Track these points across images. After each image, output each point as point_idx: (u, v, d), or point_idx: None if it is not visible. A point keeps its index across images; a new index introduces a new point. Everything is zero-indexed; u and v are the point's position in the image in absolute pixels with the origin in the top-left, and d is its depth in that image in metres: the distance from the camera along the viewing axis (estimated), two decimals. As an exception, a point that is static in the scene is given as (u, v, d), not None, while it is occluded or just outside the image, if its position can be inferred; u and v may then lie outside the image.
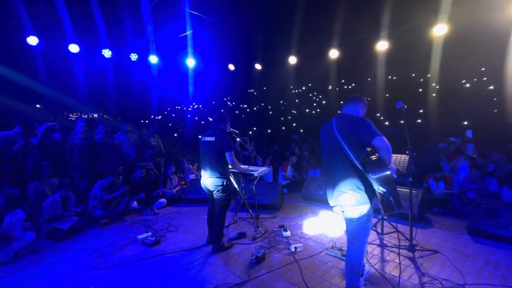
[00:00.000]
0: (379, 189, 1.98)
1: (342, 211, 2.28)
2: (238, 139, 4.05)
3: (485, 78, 13.48)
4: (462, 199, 4.57)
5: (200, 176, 6.76)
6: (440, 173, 4.95)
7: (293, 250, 3.36)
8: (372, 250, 3.36)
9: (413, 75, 15.98)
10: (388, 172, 1.97)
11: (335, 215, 4.60)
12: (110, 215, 4.65)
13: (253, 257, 3.12)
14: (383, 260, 3.14)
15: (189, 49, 8.29)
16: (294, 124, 15.73)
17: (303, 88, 20.31)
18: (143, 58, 7.77)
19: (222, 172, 3.27)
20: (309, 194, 5.57)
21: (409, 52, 7.98)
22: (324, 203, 5.24)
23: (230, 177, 3.48)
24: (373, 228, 3.75)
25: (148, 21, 7.08)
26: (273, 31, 8.04)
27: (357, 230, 2.21)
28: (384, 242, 3.51)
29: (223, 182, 3.26)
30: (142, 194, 5.32)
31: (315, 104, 20.80)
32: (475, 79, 14.08)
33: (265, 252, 3.26)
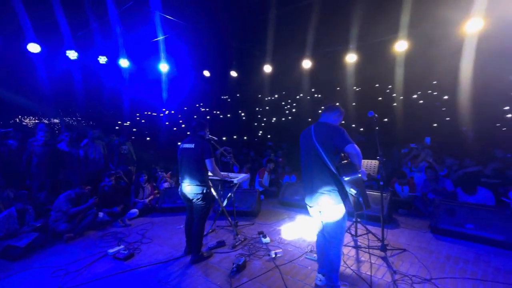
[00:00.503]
0: (350, 190, 2.23)
1: (320, 211, 2.45)
2: (219, 148, 4.03)
3: (435, 93, 14.98)
4: (424, 201, 4.99)
5: (174, 184, 6.64)
6: (405, 179, 5.39)
7: (273, 256, 3.39)
8: (348, 252, 3.51)
9: (377, 85, 17.23)
10: (359, 175, 2.21)
11: (311, 219, 4.76)
12: (75, 229, 4.29)
13: (234, 265, 3.08)
14: (358, 260, 3.29)
15: (162, 54, 8.10)
16: (267, 131, 15.96)
17: (276, 96, 20.78)
18: (113, 61, 7.41)
19: (202, 180, 3.21)
20: (286, 200, 5.67)
21: (375, 65, 8.62)
22: (300, 208, 5.38)
23: (210, 185, 3.43)
24: (348, 231, 3.92)
25: (118, 24, 6.80)
26: (249, 39, 8.18)
27: (334, 230, 2.39)
28: (358, 243, 3.69)
29: (203, 190, 3.20)
30: (116, 209, 5.00)
31: (287, 112, 21.33)
32: (429, 91, 15.57)
33: (245, 259, 3.24)
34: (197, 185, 3.20)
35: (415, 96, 15.39)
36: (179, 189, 3.38)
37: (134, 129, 15.64)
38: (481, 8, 4.83)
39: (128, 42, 7.38)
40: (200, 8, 6.58)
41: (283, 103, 21.02)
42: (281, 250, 3.55)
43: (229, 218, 4.12)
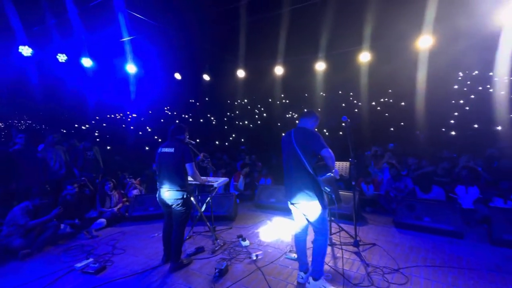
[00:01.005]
0: (324, 188, 2.52)
1: (303, 208, 2.65)
2: (197, 152, 3.97)
3: (391, 100, 16.48)
4: (387, 198, 5.45)
5: (145, 191, 6.33)
6: (370, 178, 5.84)
7: (255, 258, 3.43)
8: (324, 250, 3.69)
9: (340, 92, 18.40)
10: (332, 175, 2.52)
11: (289, 220, 4.90)
12: (33, 244, 3.87)
13: (216, 270, 3.06)
14: (334, 257, 3.48)
15: (129, 54, 7.74)
16: (239, 135, 16.00)
17: (247, 100, 21.02)
18: (74, 60, 6.88)
19: (182, 185, 3.14)
20: (261, 203, 5.76)
21: (341, 73, 9.23)
22: (276, 210, 5.51)
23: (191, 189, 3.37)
24: (323, 230, 4.12)
25: (80, 21, 6.37)
26: (223, 44, 8.21)
27: (317, 219, 2.63)
28: (333, 241, 3.90)
29: (183, 195, 3.13)
30: (76, 221, 4.61)
31: (257, 116, 21.65)
32: (386, 99, 17.08)
33: (227, 264, 3.23)
34: (177, 190, 3.12)
35: (373, 103, 16.77)
36: (157, 195, 3.27)
37: (96, 133, 14.53)
38: (430, 26, 5.51)
39: (92, 40, 6.93)
40: (172, 9, 6.46)
41: (253, 107, 21.30)
42: (261, 252, 3.61)
43: (208, 223, 4.07)
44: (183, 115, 20.95)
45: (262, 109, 22.14)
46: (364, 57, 6.41)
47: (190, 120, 20.66)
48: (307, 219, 2.71)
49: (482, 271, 3.01)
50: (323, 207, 2.58)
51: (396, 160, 6.50)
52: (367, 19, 5.87)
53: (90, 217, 4.94)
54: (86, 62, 7.11)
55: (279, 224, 4.81)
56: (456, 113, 12.38)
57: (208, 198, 4.16)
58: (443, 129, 11.01)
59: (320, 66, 7.02)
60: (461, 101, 12.56)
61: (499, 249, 3.54)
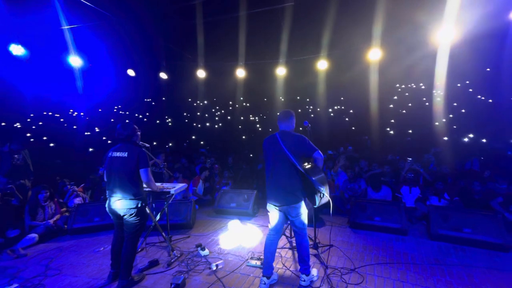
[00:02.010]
0: (319, 188, 2.57)
1: (281, 210, 2.77)
2: (152, 156, 3.63)
3: (343, 107, 17.74)
4: (342, 200, 5.75)
5: (89, 199, 5.63)
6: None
7: (215, 268, 3.25)
8: (285, 254, 3.69)
9: (298, 98, 19.16)
10: (323, 175, 2.64)
11: (248, 225, 4.81)
12: None
13: (172, 285, 2.81)
14: (295, 260, 3.49)
15: (72, 45, 6.88)
16: (199, 138, 15.49)
17: (207, 102, 20.50)
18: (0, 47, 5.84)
19: (137, 193, 2.82)
20: (221, 208, 5.57)
21: (300, 79, 9.56)
22: (237, 215, 5.38)
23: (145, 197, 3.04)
24: (283, 233, 4.13)
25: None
26: (182, 42, 7.82)
27: (300, 221, 2.79)
28: (294, 244, 3.92)
29: (137, 204, 2.81)
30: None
31: (217, 119, 21.27)
32: (338, 106, 18.30)
33: (184, 277, 2.99)
34: (130, 199, 2.78)
35: (330, 110, 17.84)
36: (106, 205, 2.87)
37: (32, 133, 12.55)
38: (378, 38, 6.04)
39: (24, 24, 5.97)
40: (126, 1, 5.93)
41: (213, 109, 20.87)
42: (221, 261, 3.44)
43: (163, 234, 3.75)
44: (137, 115, 19.51)
45: (223, 111, 21.85)
46: (322, 65, 6.73)
47: (145, 120, 19.36)
48: (292, 220, 2.79)
49: (424, 265, 3.31)
50: (307, 208, 2.79)
51: (349, 163, 6.93)
52: (324, 29, 6.17)
53: (14, 234, 4.15)
54: (16, 49, 6.08)
55: (240, 229, 4.69)
56: (394, 120, 13.84)
57: (165, 206, 3.83)
58: (387, 135, 12.22)
59: (281, 71, 7.17)
60: (403, 111, 14.11)
61: (436, 243, 3.95)
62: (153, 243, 4.06)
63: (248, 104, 21.83)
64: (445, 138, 8.60)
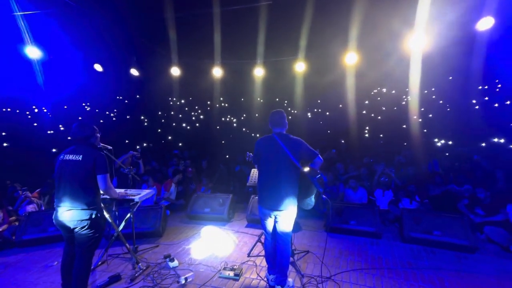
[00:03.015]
0: (319, 189, 2.62)
1: (277, 215, 2.68)
2: (115, 159, 3.29)
3: (320, 110, 18.06)
4: (318, 203, 5.72)
5: (45, 206, 5.08)
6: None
7: (183, 282, 3.00)
8: (260, 262, 3.52)
9: (277, 99, 19.20)
10: (321, 176, 2.69)
11: (222, 231, 4.59)
12: None
13: (133, 304, 2.52)
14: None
15: (28, 34, 6.21)
16: (173, 138, 14.90)
17: (183, 101, 19.83)
18: None
19: (91, 202, 2.49)
20: (195, 213, 5.29)
21: (279, 81, 9.50)
22: (211, 221, 5.13)
23: (102, 206, 2.70)
24: (259, 240, 3.97)
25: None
26: (156, 37, 7.39)
27: (289, 227, 2.75)
28: (269, 251, 3.77)
29: (91, 215, 2.48)
30: None
31: (194, 119, 20.69)
32: (316, 109, 18.59)
33: (149, 293, 2.72)
34: (82, 209, 2.44)
35: (308, 113, 18.06)
36: (53, 216, 2.51)
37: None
38: (354, 43, 6.11)
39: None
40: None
41: (190, 109, 20.26)
42: (192, 273, 3.19)
43: (127, 244, 3.41)
44: (108, 113, 18.40)
45: (200, 111, 21.30)
46: (299, 67, 6.68)
47: (114, 119, 18.31)
48: (281, 226, 2.71)
49: (398, 269, 3.31)
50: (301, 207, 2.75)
51: (327, 165, 6.95)
52: (302, 31, 6.13)
53: None
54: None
55: (214, 236, 4.46)
56: (368, 124, 14.32)
57: (128, 214, 3.50)
58: (362, 138, 12.58)
59: (259, 72, 7.02)
60: (378, 117, 14.64)
61: (409, 246, 4.01)
62: (117, 254, 3.69)
63: (226, 105, 21.52)
64: (414, 141, 9.00)
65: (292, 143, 2.69)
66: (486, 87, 12.93)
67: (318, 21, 6.28)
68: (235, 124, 18.97)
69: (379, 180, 5.64)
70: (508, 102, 13.01)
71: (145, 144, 12.69)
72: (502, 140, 7.96)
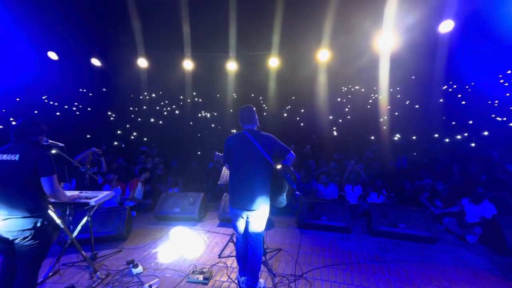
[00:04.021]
0: (293, 186, 2.55)
1: (249, 215, 2.58)
2: (68, 157, 2.94)
3: (289, 106, 18.25)
4: (291, 200, 5.73)
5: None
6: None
7: (147, 289, 2.78)
8: (231, 264, 3.40)
9: (252, 95, 19.07)
10: (293, 172, 2.68)
11: (193, 232, 4.40)
12: None
13: (88, 319, 2.27)
14: (242, 271, 3.23)
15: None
16: (141, 134, 14.14)
17: (153, 95, 18.91)
18: None
19: (35, 208, 2.16)
20: (163, 214, 5.01)
21: (253, 76, 9.35)
22: (181, 221, 4.91)
23: (49, 212, 2.38)
24: (232, 240, 3.85)
25: None
26: (120, 25, 6.84)
27: (262, 227, 2.66)
28: (241, 251, 3.67)
29: (35, 223, 2.16)
30: None
31: (165, 113, 19.86)
32: (289, 106, 18.78)
33: (107, 305, 2.47)
34: (24, 217, 2.12)
35: (283, 108, 18.16)
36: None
37: None
38: (327, 42, 6.17)
39: None
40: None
41: (161, 103, 19.40)
42: (157, 279, 2.98)
43: (83, 252, 3.09)
44: (66, 106, 16.97)
45: (173, 106, 20.49)
46: (273, 62, 6.61)
47: (78, 113, 16.96)
48: (252, 226, 2.63)
49: (367, 263, 3.39)
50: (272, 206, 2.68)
51: (299, 161, 7.00)
52: (275, 26, 6.04)
53: None
54: None
55: (183, 237, 4.24)
56: (339, 120, 14.79)
57: (85, 218, 3.16)
58: (333, 134, 12.94)
59: (232, 66, 6.83)
60: (347, 114, 15.12)
61: (376, 239, 4.14)
62: (72, 263, 3.34)
63: (200, 100, 20.94)
64: (382, 138, 9.44)
65: (264, 140, 2.60)
66: (444, 87, 13.98)
67: (291, 17, 6.24)
68: (209, 120, 18.53)
69: (349, 176, 5.79)
70: (464, 102, 14.20)
71: (116, 143, 11.87)
72: (458, 137, 8.65)
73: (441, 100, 14.28)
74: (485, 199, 4.40)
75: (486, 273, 3.21)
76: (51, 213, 2.70)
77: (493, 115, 11.71)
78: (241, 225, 2.74)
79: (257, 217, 2.59)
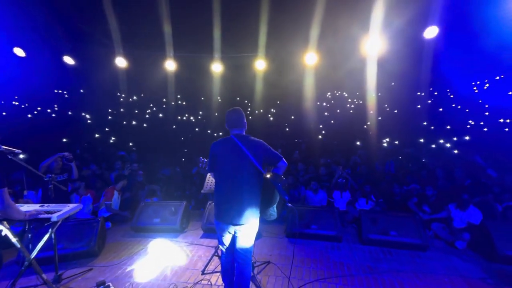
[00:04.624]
0: (285, 197, 2.26)
1: (237, 230, 2.35)
2: (25, 165, 2.55)
3: (274, 110, 18.23)
4: (280, 209, 5.52)
5: None
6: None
7: (120, 316, 2.44)
8: (215, 281, 3.11)
9: (238, 99, 18.84)
10: (285, 180, 2.48)
11: (174, 245, 4.06)
12: None
13: None
14: (227, 289, 2.95)
15: None
16: (120, 138, 13.46)
17: (135, 97, 18.19)
18: None
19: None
20: (142, 225, 4.62)
21: (237, 79, 9.13)
22: (161, 232, 4.54)
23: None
24: (215, 254, 3.56)
25: None
26: (95, 21, 6.40)
27: (251, 242, 2.41)
28: (227, 266, 3.38)
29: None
30: None
31: (147, 116, 19.16)
32: (272, 109, 18.72)
33: None
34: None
35: (269, 111, 18.05)
36: None
37: None
38: (314, 44, 6.08)
39: None
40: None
41: (143, 106, 18.68)
42: (131, 303, 2.64)
43: (43, 275, 2.68)
44: (40, 108, 15.92)
45: (154, 108, 19.81)
46: (259, 65, 6.42)
47: (53, 115, 15.95)
48: (240, 242, 2.38)
49: (360, 276, 3.22)
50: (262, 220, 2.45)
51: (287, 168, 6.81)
52: (262, 26, 5.88)
53: None
54: None
55: (163, 251, 3.89)
56: (325, 125, 14.89)
57: (46, 235, 2.75)
58: (319, 139, 12.96)
59: (216, 68, 6.57)
60: (331, 121, 15.25)
61: (367, 248, 4.00)
62: (31, 287, 2.91)
63: (184, 103, 20.43)
64: (368, 142, 9.50)
65: (254, 146, 2.36)
66: (422, 94, 14.45)
67: (278, 18, 6.10)
68: (193, 123, 18.05)
69: (337, 182, 5.67)
70: (441, 109, 14.73)
71: (88, 144, 11.16)
72: (441, 141, 8.87)
73: (419, 106, 14.78)
74: (471, 204, 4.39)
75: (480, 282, 3.13)
76: (5, 230, 2.32)
77: (470, 121, 12.22)
78: (227, 240, 2.48)
79: (246, 231, 2.35)
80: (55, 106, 16.98)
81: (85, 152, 8.81)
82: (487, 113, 13.24)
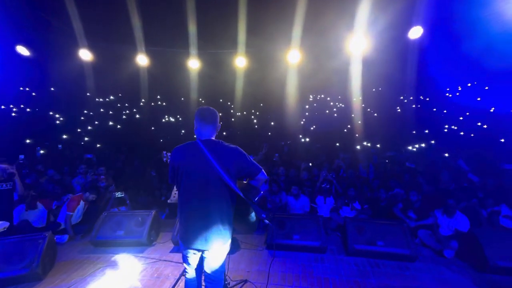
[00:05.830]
0: (262, 216, 1.92)
1: (205, 252, 1.96)
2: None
3: (258, 113, 17.94)
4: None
5: None
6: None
7: None
8: (182, 307, 2.65)
9: (221, 100, 18.33)
10: (262, 194, 2.02)
11: (138, 262, 3.55)
12: None
13: None
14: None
15: None
16: (92, 140, 12.52)
17: (112, 97, 17.12)
18: None
19: None
20: (102, 238, 4.04)
21: (218, 77, 8.69)
22: (125, 247, 4.00)
23: None
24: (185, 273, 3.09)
25: None
26: (56, 9, 5.73)
27: (222, 265, 2.03)
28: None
29: None
30: None
31: (124, 117, 18.14)
32: (253, 110, 18.39)
33: None
34: None
35: (252, 113, 17.69)
36: None
37: None
38: (297, 43, 5.79)
39: None
40: None
41: (118, 105, 17.66)
42: None
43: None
44: (3, 107, 14.54)
45: (133, 109, 18.82)
46: (240, 62, 6.04)
47: (14, 114, 14.59)
48: (210, 264, 1.97)
49: (347, 294, 2.89)
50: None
51: (267, 171, 6.44)
52: (241, 21, 5.50)
53: None
54: None
55: (125, 271, 3.36)
56: (308, 127, 14.77)
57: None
58: (302, 142, 12.76)
59: (193, 64, 6.10)
60: (313, 125, 15.15)
61: (353, 260, 3.70)
62: None
63: (164, 103, 19.61)
64: (351, 146, 9.38)
65: (224, 155, 1.91)
66: (407, 98, 14.71)
67: (259, 13, 5.76)
68: (174, 124, 17.28)
69: (320, 186, 5.37)
70: (419, 116, 15.07)
71: (42, 150, 10.11)
72: (423, 145, 8.91)
73: (398, 110, 15.05)
74: (457, 210, 4.24)
75: (472, 296, 2.90)
76: None
77: (446, 125, 12.53)
78: (193, 261, 2.06)
79: (215, 254, 1.94)
80: (13, 104, 15.58)
81: (48, 156, 7.96)
82: (461, 118, 13.71)
